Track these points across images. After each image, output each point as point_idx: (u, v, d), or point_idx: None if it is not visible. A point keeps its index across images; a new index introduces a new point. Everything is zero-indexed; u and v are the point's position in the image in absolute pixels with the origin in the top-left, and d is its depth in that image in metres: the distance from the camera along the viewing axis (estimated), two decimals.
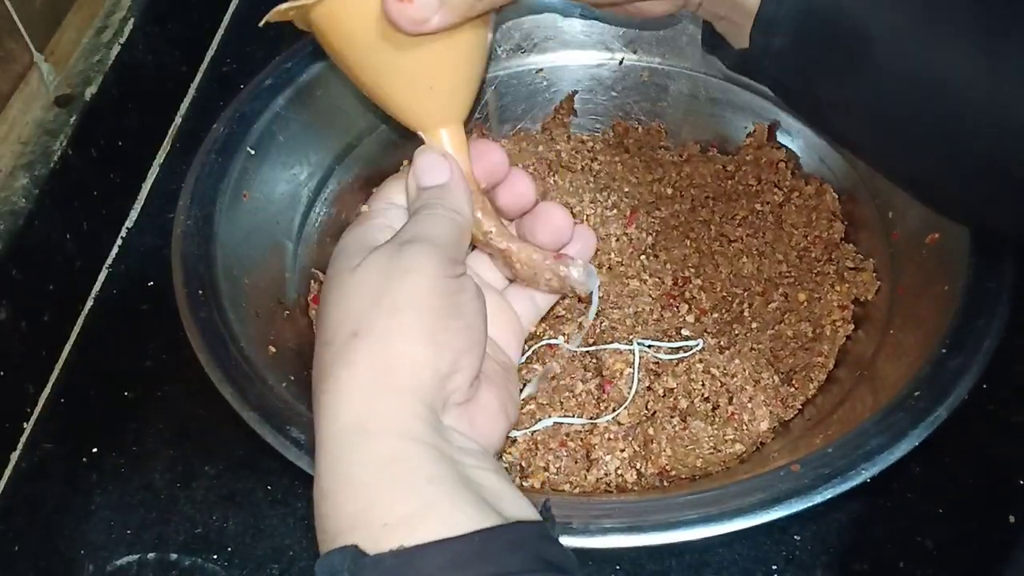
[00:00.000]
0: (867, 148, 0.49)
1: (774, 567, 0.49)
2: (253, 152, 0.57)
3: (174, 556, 0.50)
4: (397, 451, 0.33)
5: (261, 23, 0.42)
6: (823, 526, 0.50)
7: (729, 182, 0.65)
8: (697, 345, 0.55)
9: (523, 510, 0.34)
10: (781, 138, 0.65)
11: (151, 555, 0.50)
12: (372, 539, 0.31)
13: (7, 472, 0.54)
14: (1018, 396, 0.54)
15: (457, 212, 0.41)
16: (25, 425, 0.56)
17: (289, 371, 0.50)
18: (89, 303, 0.62)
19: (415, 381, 0.35)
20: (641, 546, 0.41)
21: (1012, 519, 0.50)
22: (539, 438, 0.52)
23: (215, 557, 0.50)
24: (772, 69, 0.46)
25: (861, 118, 0.45)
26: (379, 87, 0.43)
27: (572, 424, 0.52)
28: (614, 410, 0.52)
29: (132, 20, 0.68)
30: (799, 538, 0.49)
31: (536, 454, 0.51)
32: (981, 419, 0.53)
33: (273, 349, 0.51)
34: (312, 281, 0.59)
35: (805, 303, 0.58)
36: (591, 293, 0.45)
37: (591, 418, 0.52)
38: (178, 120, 0.73)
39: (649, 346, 0.54)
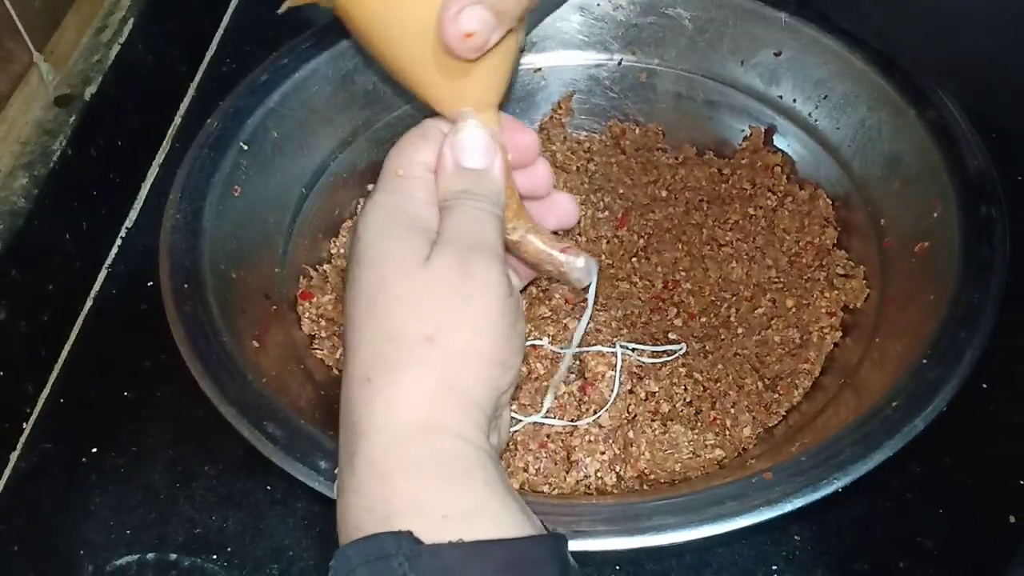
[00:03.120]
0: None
1: (774, 567, 0.49)
2: (246, 147, 0.57)
3: (173, 556, 0.50)
4: (459, 450, 0.34)
5: (281, 9, 0.42)
6: (823, 526, 0.50)
7: (723, 185, 0.65)
8: (680, 349, 0.55)
9: (535, 518, 0.36)
10: (777, 142, 0.65)
11: (150, 555, 0.50)
12: (428, 528, 0.32)
13: (6, 472, 0.54)
14: (1018, 396, 0.54)
15: (497, 205, 0.40)
16: (24, 425, 0.56)
17: (271, 367, 0.50)
18: (88, 303, 0.62)
19: (480, 396, 0.36)
20: (594, 551, 0.42)
21: (1012, 519, 0.50)
22: (519, 439, 0.52)
23: (214, 557, 0.50)
24: None
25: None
26: (409, 69, 0.41)
27: (553, 426, 0.52)
28: (595, 412, 0.52)
29: (132, 20, 0.68)
30: (799, 538, 0.50)
31: (516, 455, 0.51)
32: (981, 419, 0.53)
33: (257, 344, 0.51)
34: (301, 277, 0.59)
35: (794, 309, 0.58)
36: (588, 287, 0.45)
37: (571, 420, 0.52)
38: (178, 120, 0.73)
39: (632, 349, 0.54)
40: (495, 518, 0.33)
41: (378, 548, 0.31)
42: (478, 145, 0.40)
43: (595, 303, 0.58)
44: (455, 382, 0.36)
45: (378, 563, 0.31)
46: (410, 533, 0.32)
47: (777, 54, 0.63)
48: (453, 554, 0.31)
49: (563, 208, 0.46)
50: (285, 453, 0.44)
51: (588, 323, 0.55)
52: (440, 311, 0.36)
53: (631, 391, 0.53)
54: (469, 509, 0.33)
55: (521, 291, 0.49)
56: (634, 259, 0.61)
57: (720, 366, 0.54)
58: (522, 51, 0.44)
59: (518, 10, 0.38)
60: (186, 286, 0.50)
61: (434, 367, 0.35)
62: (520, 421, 0.52)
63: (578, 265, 0.43)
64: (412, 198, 0.39)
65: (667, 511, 0.42)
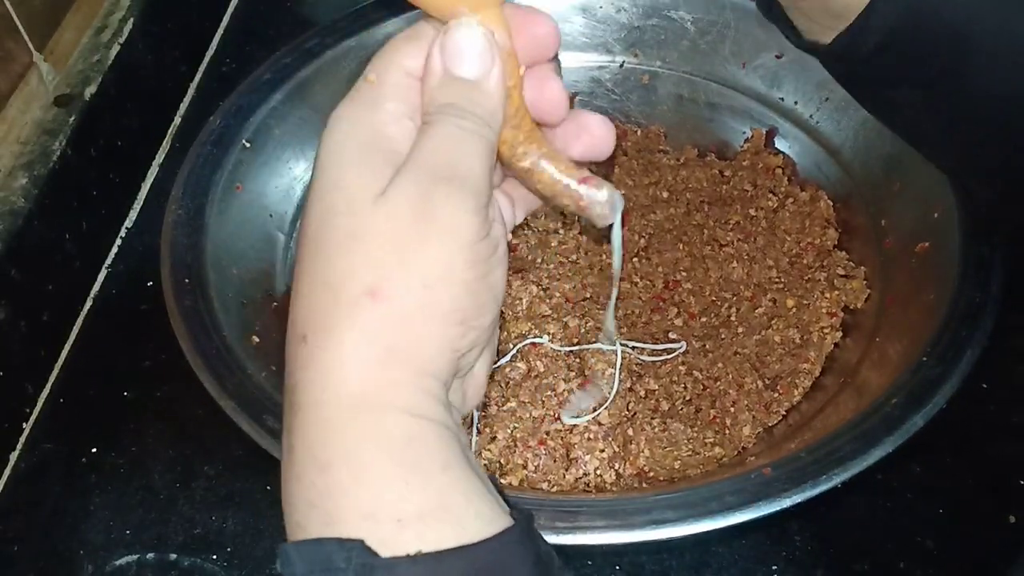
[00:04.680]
0: (931, 144, 0.47)
1: (774, 567, 0.49)
2: (248, 145, 0.57)
3: (173, 556, 0.50)
4: (411, 431, 0.30)
5: None
6: (823, 526, 0.50)
7: (724, 187, 0.65)
8: (680, 348, 0.55)
9: (496, 494, 0.32)
10: (779, 144, 0.65)
11: (150, 555, 0.50)
12: (380, 535, 0.28)
13: (6, 472, 0.54)
14: (1018, 396, 0.54)
15: (491, 127, 0.33)
16: (24, 425, 0.56)
17: (271, 362, 0.51)
18: (88, 303, 0.62)
19: (435, 361, 0.31)
20: (594, 544, 0.41)
21: (1012, 519, 0.50)
22: (518, 436, 0.52)
23: (214, 557, 0.50)
24: (850, 68, 0.44)
25: (942, 120, 0.43)
26: None
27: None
28: (595, 410, 0.52)
29: (132, 20, 0.68)
30: (799, 538, 0.50)
31: (515, 452, 0.51)
32: (981, 419, 0.53)
33: (257, 339, 0.52)
34: None
35: (794, 309, 0.58)
36: (611, 227, 0.38)
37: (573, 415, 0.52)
38: (177, 120, 0.73)
39: (632, 347, 0.54)
40: (457, 516, 0.29)
41: (324, 558, 0.28)
42: (473, 48, 0.32)
43: (596, 303, 0.58)
44: (403, 346, 0.30)
45: (324, 575, 0.27)
46: (361, 543, 0.28)
47: (779, 56, 0.63)
48: (411, 570, 0.27)
49: (594, 132, 0.36)
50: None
51: (582, 320, 0.56)
52: (387, 259, 0.30)
53: (631, 389, 0.53)
54: (426, 508, 0.28)
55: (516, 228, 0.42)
56: (635, 259, 0.61)
57: (720, 365, 0.54)
58: None
59: None
60: (187, 281, 0.50)
61: (378, 327, 0.30)
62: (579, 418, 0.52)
63: (599, 198, 0.36)
64: (380, 110, 0.32)
65: (666, 506, 0.42)
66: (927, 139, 0.47)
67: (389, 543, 0.28)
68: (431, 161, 0.31)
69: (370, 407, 0.29)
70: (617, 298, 0.51)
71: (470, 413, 0.35)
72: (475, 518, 0.29)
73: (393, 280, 0.30)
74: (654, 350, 0.55)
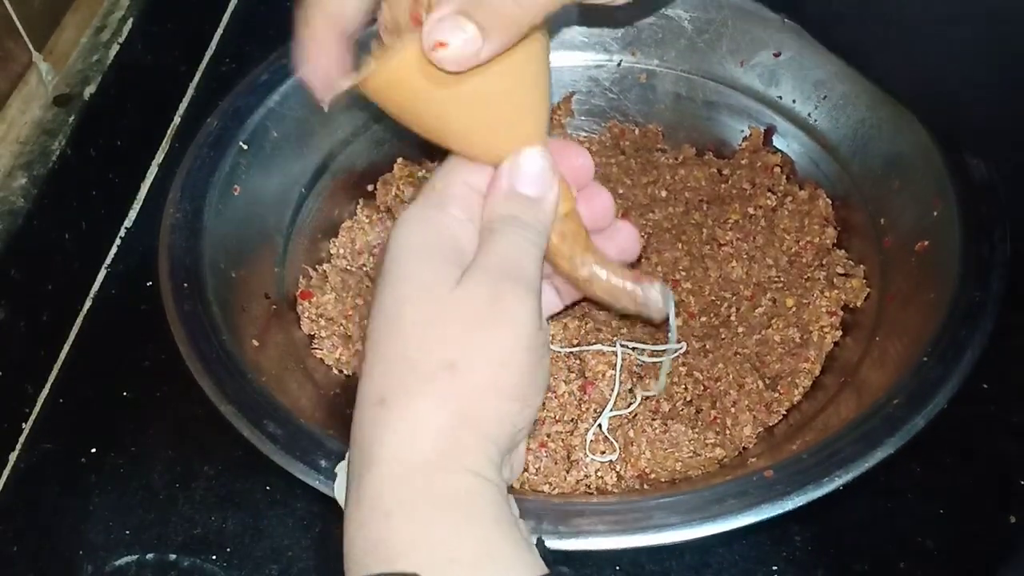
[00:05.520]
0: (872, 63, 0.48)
1: (774, 567, 0.49)
2: (246, 147, 0.57)
3: (173, 556, 0.50)
4: (472, 487, 0.33)
5: (326, 108, 0.42)
6: (823, 526, 0.50)
7: (723, 186, 0.65)
8: (680, 348, 0.55)
9: (535, 549, 0.36)
10: (777, 142, 0.65)
11: (150, 555, 0.50)
12: (435, 572, 0.31)
13: (6, 472, 0.54)
14: (1018, 396, 0.54)
15: (544, 236, 0.39)
16: (24, 425, 0.56)
17: (271, 366, 0.51)
18: (88, 303, 0.62)
19: (497, 431, 0.35)
20: (596, 550, 0.42)
21: (1012, 519, 0.50)
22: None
23: (214, 557, 0.50)
24: None
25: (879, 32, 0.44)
26: (454, 136, 0.40)
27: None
28: (595, 411, 0.52)
29: (131, 20, 0.68)
30: (799, 538, 0.49)
31: None
32: (981, 419, 0.53)
33: (256, 343, 0.52)
34: (301, 276, 0.59)
35: (794, 308, 0.58)
36: (667, 317, 0.43)
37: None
38: (177, 120, 0.72)
39: (632, 348, 0.54)
40: (505, 563, 0.32)
41: None
42: (536, 171, 0.38)
43: (595, 303, 0.58)
44: (472, 415, 0.34)
45: None
46: (416, 574, 0.31)
47: (776, 55, 0.63)
48: None
49: (624, 237, 0.44)
50: (285, 452, 0.44)
51: (582, 322, 0.56)
52: (464, 339, 0.35)
53: (631, 390, 0.53)
54: (479, 553, 0.32)
55: (560, 312, 0.48)
56: None
57: (720, 365, 0.54)
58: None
59: (522, 21, 0.35)
60: (186, 285, 0.50)
61: (452, 397, 0.34)
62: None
63: (654, 295, 0.42)
64: (447, 214, 0.38)
65: (669, 509, 0.42)
66: (867, 57, 0.49)
67: None
68: (499, 262, 0.36)
69: (438, 463, 0.33)
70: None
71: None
72: (520, 566, 0.32)
73: (468, 357, 0.34)
74: (654, 351, 0.55)
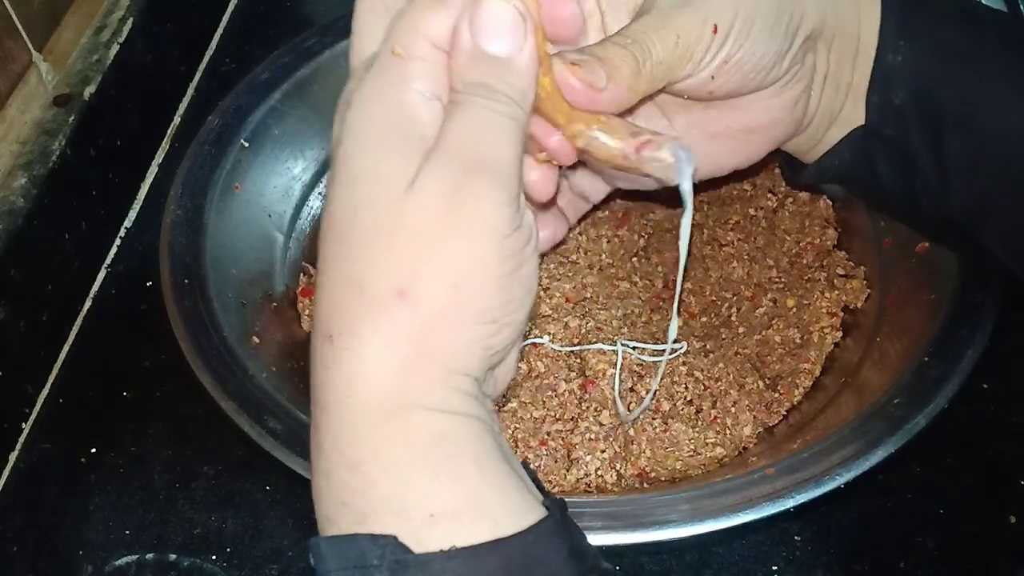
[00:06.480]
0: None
1: (774, 567, 0.49)
2: (247, 144, 0.57)
3: (173, 556, 0.50)
4: (441, 428, 0.29)
5: None
6: (823, 526, 0.50)
7: (724, 186, 0.65)
8: (681, 348, 0.55)
9: (529, 481, 0.32)
10: None
11: (150, 555, 0.50)
12: (414, 531, 0.27)
13: (6, 472, 0.54)
14: (1018, 396, 0.54)
15: (522, 108, 0.31)
16: (24, 425, 0.56)
17: (271, 363, 0.51)
18: (88, 303, 0.62)
19: (465, 360, 0.29)
20: (596, 546, 0.41)
21: (1012, 519, 0.50)
22: (519, 437, 0.52)
23: (214, 557, 0.50)
24: (893, 128, 0.41)
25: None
26: None
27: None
28: (596, 410, 0.52)
29: (131, 20, 0.68)
30: (799, 538, 0.49)
31: (516, 452, 0.51)
32: (981, 419, 0.53)
33: (257, 340, 0.52)
34: (302, 275, 0.59)
35: (794, 309, 0.58)
36: (680, 185, 0.34)
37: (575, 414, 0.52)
38: (177, 120, 0.72)
39: (633, 347, 0.54)
40: (490, 511, 0.28)
41: (357, 554, 0.27)
42: (503, 22, 0.30)
43: (594, 303, 0.58)
44: (433, 347, 0.29)
45: (356, 572, 0.27)
46: (394, 538, 0.27)
47: None
48: (445, 565, 0.27)
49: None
50: (285, 447, 0.44)
51: (582, 321, 0.55)
52: (417, 255, 0.28)
53: (631, 389, 0.53)
54: (459, 503, 0.28)
55: (603, 201, 0.42)
56: (634, 259, 0.61)
57: (721, 365, 0.54)
58: None
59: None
60: (186, 282, 0.50)
61: (407, 328, 0.28)
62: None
63: (661, 158, 0.33)
64: (409, 91, 0.30)
65: (670, 507, 0.42)
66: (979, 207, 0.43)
67: (422, 539, 0.27)
68: (460, 148, 0.29)
69: (397, 408, 0.29)
70: (682, 283, 0.49)
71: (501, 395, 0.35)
72: (508, 511, 0.28)
73: (423, 278, 0.28)
74: (655, 350, 0.55)
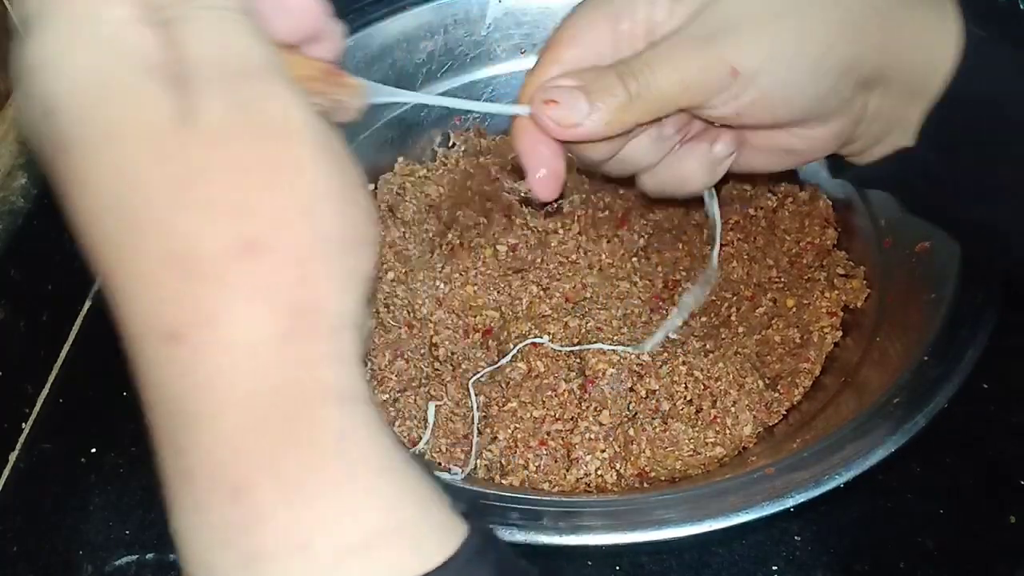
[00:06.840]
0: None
1: (774, 567, 0.49)
2: None
3: (173, 557, 0.50)
4: (341, 427, 0.23)
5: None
6: (823, 526, 0.50)
7: (724, 186, 0.65)
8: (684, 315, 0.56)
9: (430, 477, 0.26)
10: None
11: (150, 555, 0.50)
12: (320, 572, 0.23)
13: (5, 472, 0.54)
14: (1018, 396, 0.54)
15: (239, 11, 0.25)
16: (24, 425, 0.56)
17: None
18: (88, 303, 0.62)
19: (346, 304, 0.24)
20: (597, 545, 0.42)
21: (1012, 519, 0.50)
22: (519, 436, 0.52)
23: None
24: (942, 156, 0.40)
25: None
26: None
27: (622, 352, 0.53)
28: (595, 410, 0.52)
29: None
30: (799, 538, 0.49)
31: (516, 452, 0.51)
32: (981, 419, 0.53)
33: None
34: None
35: (794, 309, 0.58)
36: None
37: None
38: None
39: (633, 348, 0.54)
40: (412, 532, 0.23)
41: None
42: None
43: (595, 303, 0.58)
44: (308, 300, 0.23)
45: None
46: None
47: None
48: None
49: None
50: None
51: (582, 321, 0.55)
52: (244, 191, 0.23)
53: (631, 389, 0.53)
54: (376, 527, 0.23)
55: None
56: (634, 259, 0.61)
57: (721, 365, 0.54)
58: None
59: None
60: None
61: (272, 284, 0.23)
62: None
63: (342, 100, 0.30)
64: (109, 22, 0.24)
65: (670, 507, 0.42)
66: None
67: None
68: (218, 59, 0.24)
69: (287, 405, 0.23)
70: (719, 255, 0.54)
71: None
72: (430, 529, 0.24)
73: (265, 217, 0.23)
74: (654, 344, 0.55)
